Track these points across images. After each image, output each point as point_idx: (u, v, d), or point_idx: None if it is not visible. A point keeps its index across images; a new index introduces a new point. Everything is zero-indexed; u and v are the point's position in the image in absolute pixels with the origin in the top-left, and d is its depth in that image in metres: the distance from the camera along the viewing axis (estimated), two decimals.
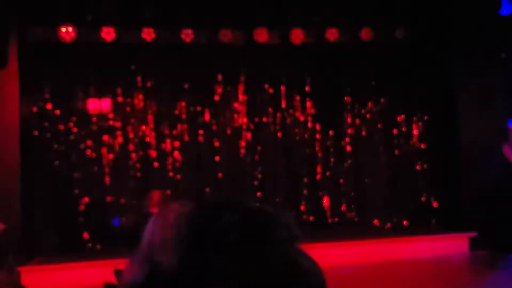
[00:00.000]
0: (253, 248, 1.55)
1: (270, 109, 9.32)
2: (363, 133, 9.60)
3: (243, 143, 9.21)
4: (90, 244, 8.52)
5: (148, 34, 8.38)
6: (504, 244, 8.36)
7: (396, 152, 9.68)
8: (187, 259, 2.06)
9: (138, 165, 8.84)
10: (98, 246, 8.48)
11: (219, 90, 9.17)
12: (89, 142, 8.74)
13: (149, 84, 8.95)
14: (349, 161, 9.55)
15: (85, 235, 8.53)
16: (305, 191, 9.34)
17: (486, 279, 7.42)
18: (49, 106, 8.63)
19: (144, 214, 5.24)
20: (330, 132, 9.54)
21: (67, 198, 8.56)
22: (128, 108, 8.90)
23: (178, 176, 8.93)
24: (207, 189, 8.98)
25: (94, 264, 7.78)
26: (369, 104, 9.62)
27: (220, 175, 9.05)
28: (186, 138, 9.03)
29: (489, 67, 8.98)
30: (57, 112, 8.65)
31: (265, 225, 1.59)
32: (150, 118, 8.94)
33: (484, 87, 9.02)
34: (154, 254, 2.54)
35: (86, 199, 8.61)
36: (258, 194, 9.16)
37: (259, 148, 9.29)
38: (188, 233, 2.18)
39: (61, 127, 8.65)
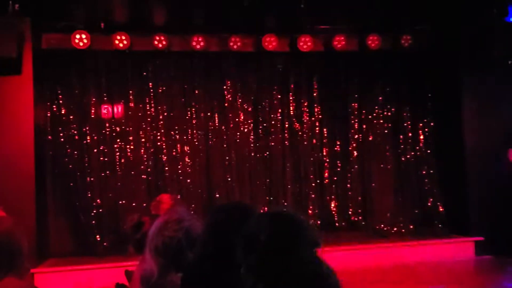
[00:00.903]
0: (281, 250, 1.64)
1: (278, 115, 9.35)
2: (370, 138, 9.59)
3: (251, 148, 9.27)
4: (102, 246, 8.58)
5: (159, 42, 8.43)
6: (510, 249, 8.34)
7: (403, 157, 9.66)
8: (212, 259, 2.11)
9: (149, 169, 8.91)
10: (109, 248, 8.53)
11: (229, 96, 9.21)
12: (102, 147, 8.82)
13: (160, 90, 9.02)
14: (356, 166, 9.55)
15: (98, 237, 8.58)
16: (312, 196, 9.33)
17: (491, 284, 7.40)
18: (63, 111, 8.74)
19: (154, 217, 5.27)
20: (337, 137, 9.54)
21: (80, 201, 8.64)
22: (140, 114, 8.98)
23: (188, 180, 8.98)
24: (217, 193, 8.99)
25: (105, 266, 7.87)
26: (376, 110, 9.63)
27: (229, 179, 9.09)
28: (196, 143, 9.10)
29: (495, 73, 9.00)
30: (71, 117, 8.77)
31: (293, 229, 1.68)
32: (161, 123, 9.01)
33: (489, 93, 9.06)
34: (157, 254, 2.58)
35: (99, 202, 8.66)
36: (267, 198, 9.16)
37: (267, 153, 9.32)
38: (208, 230, 2.23)
39: (75, 132, 8.74)
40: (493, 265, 8.51)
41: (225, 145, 9.18)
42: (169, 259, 2.53)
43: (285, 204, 9.12)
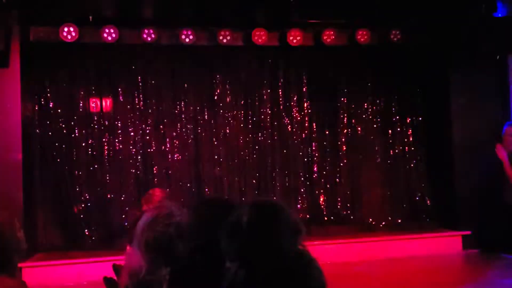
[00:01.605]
0: (262, 236, 1.61)
1: (268, 109, 9.33)
2: (359, 133, 9.60)
3: (241, 143, 9.21)
4: (90, 240, 8.56)
5: (148, 35, 8.37)
6: (497, 243, 8.38)
7: (391, 152, 9.67)
8: (202, 252, 2.08)
9: (138, 163, 8.87)
10: (98, 243, 8.52)
11: (218, 90, 9.17)
12: (90, 141, 8.74)
13: (149, 84, 8.97)
14: (345, 161, 9.55)
15: (86, 231, 8.55)
16: (302, 190, 9.33)
17: (478, 278, 7.43)
18: (50, 105, 8.64)
19: (144, 212, 5.23)
20: (327, 132, 9.54)
21: (68, 195, 8.57)
22: (128, 107, 8.89)
23: (177, 174, 8.96)
24: (206, 188, 8.97)
25: (94, 260, 7.82)
26: (365, 105, 9.63)
27: (218, 173, 9.07)
28: (185, 137, 9.03)
29: (483, 68, 9.03)
30: (59, 111, 8.65)
31: (273, 215, 1.66)
32: (149, 117, 8.96)
33: (477, 87, 9.09)
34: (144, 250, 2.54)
35: (87, 196, 8.62)
36: (256, 192, 9.15)
37: (256, 147, 9.30)
38: (197, 223, 2.21)
39: (63, 125, 8.65)
40: (480, 259, 8.56)
41: (214, 139, 9.15)
42: (160, 255, 2.49)
43: (274, 198, 9.11)
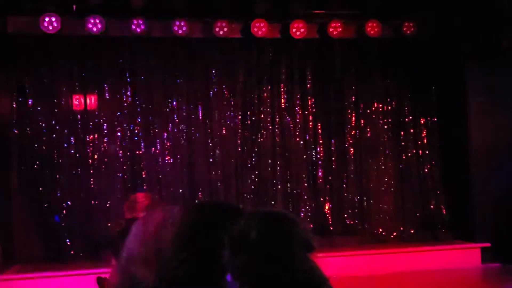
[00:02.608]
0: (272, 252, 1.57)
1: (268, 108, 9.25)
2: (368, 134, 9.52)
3: (239, 144, 9.18)
4: (72, 251, 8.48)
5: (137, 26, 8.30)
6: None
7: (403, 156, 9.61)
8: (196, 262, 1.99)
9: (125, 167, 8.82)
10: (80, 253, 8.46)
11: (214, 86, 9.14)
12: (73, 142, 8.70)
13: (138, 80, 8.92)
14: (352, 165, 9.49)
15: (67, 241, 8.48)
16: (305, 197, 9.25)
17: None
18: (30, 102, 8.57)
19: (129, 219, 5.12)
20: (333, 133, 9.47)
21: (48, 202, 8.53)
22: (115, 105, 8.84)
23: (169, 179, 8.90)
24: (200, 193, 8.91)
25: (76, 272, 7.78)
26: (375, 104, 9.58)
27: (213, 178, 9.00)
28: (178, 137, 8.99)
29: (504, 64, 8.97)
30: (39, 108, 8.61)
31: (285, 230, 1.61)
32: (139, 116, 8.87)
33: (497, 86, 9.07)
34: (133, 266, 2.42)
35: (69, 203, 8.55)
36: (255, 199, 9.07)
37: (255, 149, 9.25)
38: (193, 234, 2.11)
39: (43, 125, 8.61)
40: (501, 274, 8.48)
41: (209, 141, 9.07)
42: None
43: (275, 205, 9.05)
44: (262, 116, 9.29)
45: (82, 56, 8.76)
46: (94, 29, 8.27)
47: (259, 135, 9.28)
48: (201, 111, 9.10)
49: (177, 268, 2.04)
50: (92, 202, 8.65)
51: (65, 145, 8.66)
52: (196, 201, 8.48)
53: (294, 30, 8.77)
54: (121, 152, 8.82)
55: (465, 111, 9.16)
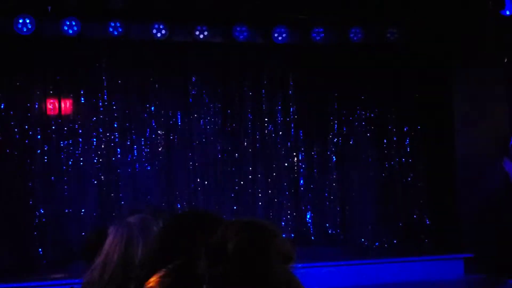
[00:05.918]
0: (250, 262, 1.59)
1: (249, 114, 9.30)
2: (351, 142, 9.59)
3: (218, 151, 9.20)
4: (45, 261, 8.43)
5: (115, 29, 8.30)
6: (503, 268, 8.38)
7: (386, 164, 9.68)
8: (173, 272, 2.01)
9: (101, 174, 8.78)
10: (53, 264, 8.40)
11: (193, 91, 9.15)
12: (46, 148, 8.66)
13: (115, 84, 8.90)
14: (334, 173, 9.53)
15: (40, 250, 8.41)
16: (286, 205, 9.28)
17: None
18: (2, 106, 8.52)
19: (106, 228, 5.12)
20: (314, 140, 9.51)
21: (20, 210, 8.47)
22: (91, 110, 8.82)
23: (147, 186, 8.88)
24: (178, 201, 8.92)
25: (49, 284, 7.76)
26: (357, 111, 9.64)
27: (193, 185, 9.03)
28: (155, 144, 8.99)
29: (490, 71, 9.06)
30: (11, 113, 8.55)
31: (264, 240, 1.63)
32: (115, 121, 8.87)
33: (482, 94, 9.11)
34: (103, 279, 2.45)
35: (42, 211, 8.50)
36: (234, 207, 9.07)
37: (236, 156, 9.26)
38: (170, 244, 2.14)
39: (15, 130, 8.54)
40: (485, 286, 8.56)
41: (188, 147, 9.07)
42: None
43: (255, 214, 9.07)
44: (243, 122, 9.30)
45: (57, 59, 8.69)
46: (70, 31, 8.15)
47: (239, 142, 9.30)
48: (180, 116, 9.11)
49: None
50: (66, 210, 8.58)
51: (38, 150, 8.60)
52: (174, 210, 8.46)
53: (276, 35, 8.79)
54: (96, 158, 8.76)
55: (450, 119, 9.21)
